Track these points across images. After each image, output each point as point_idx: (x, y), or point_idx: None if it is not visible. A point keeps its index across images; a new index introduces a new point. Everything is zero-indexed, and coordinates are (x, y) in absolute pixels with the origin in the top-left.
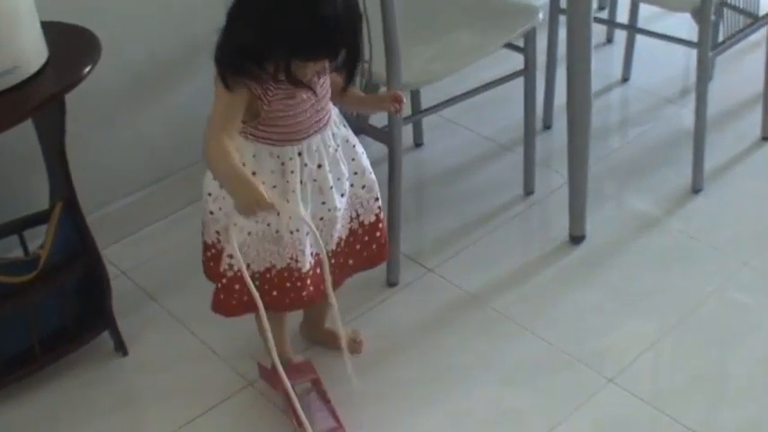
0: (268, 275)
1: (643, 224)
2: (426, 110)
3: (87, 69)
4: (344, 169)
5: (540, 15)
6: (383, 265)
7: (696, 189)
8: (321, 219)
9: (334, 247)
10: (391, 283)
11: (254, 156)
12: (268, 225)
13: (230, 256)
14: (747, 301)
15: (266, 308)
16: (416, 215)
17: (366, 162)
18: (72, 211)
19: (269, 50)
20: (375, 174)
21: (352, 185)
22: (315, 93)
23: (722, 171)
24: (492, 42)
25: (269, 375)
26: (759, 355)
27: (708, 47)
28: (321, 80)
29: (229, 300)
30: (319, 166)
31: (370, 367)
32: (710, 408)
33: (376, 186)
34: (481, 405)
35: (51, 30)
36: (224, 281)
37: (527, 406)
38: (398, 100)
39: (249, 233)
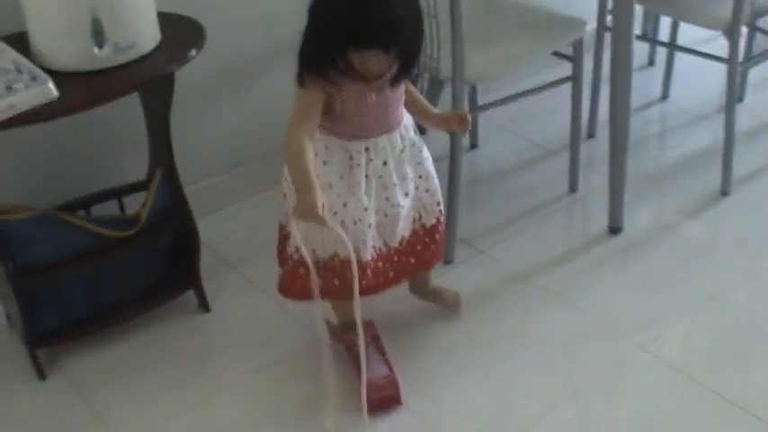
0: (331, 264)
1: (674, 221)
2: (483, 106)
3: (194, 52)
4: (410, 171)
5: (587, 27)
6: None
7: (724, 192)
8: (385, 215)
9: (396, 245)
10: (448, 260)
11: (326, 147)
12: (334, 214)
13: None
14: None
15: (328, 296)
16: (471, 205)
17: (431, 168)
18: (170, 178)
19: (330, 44)
20: (435, 168)
21: (416, 188)
22: (369, 85)
23: (749, 178)
24: (544, 47)
25: (334, 331)
26: None
27: (736, 62)
28: (394, 88)
29: (294, 284)
30: (384, 163)
31: (426, 331)
32: (739, 377)
33: (438, 192)
34: (520, 369)
35: (165, 18)
36: (290, 263)
37: (562, 371)
38: (463, 119)
39: None
